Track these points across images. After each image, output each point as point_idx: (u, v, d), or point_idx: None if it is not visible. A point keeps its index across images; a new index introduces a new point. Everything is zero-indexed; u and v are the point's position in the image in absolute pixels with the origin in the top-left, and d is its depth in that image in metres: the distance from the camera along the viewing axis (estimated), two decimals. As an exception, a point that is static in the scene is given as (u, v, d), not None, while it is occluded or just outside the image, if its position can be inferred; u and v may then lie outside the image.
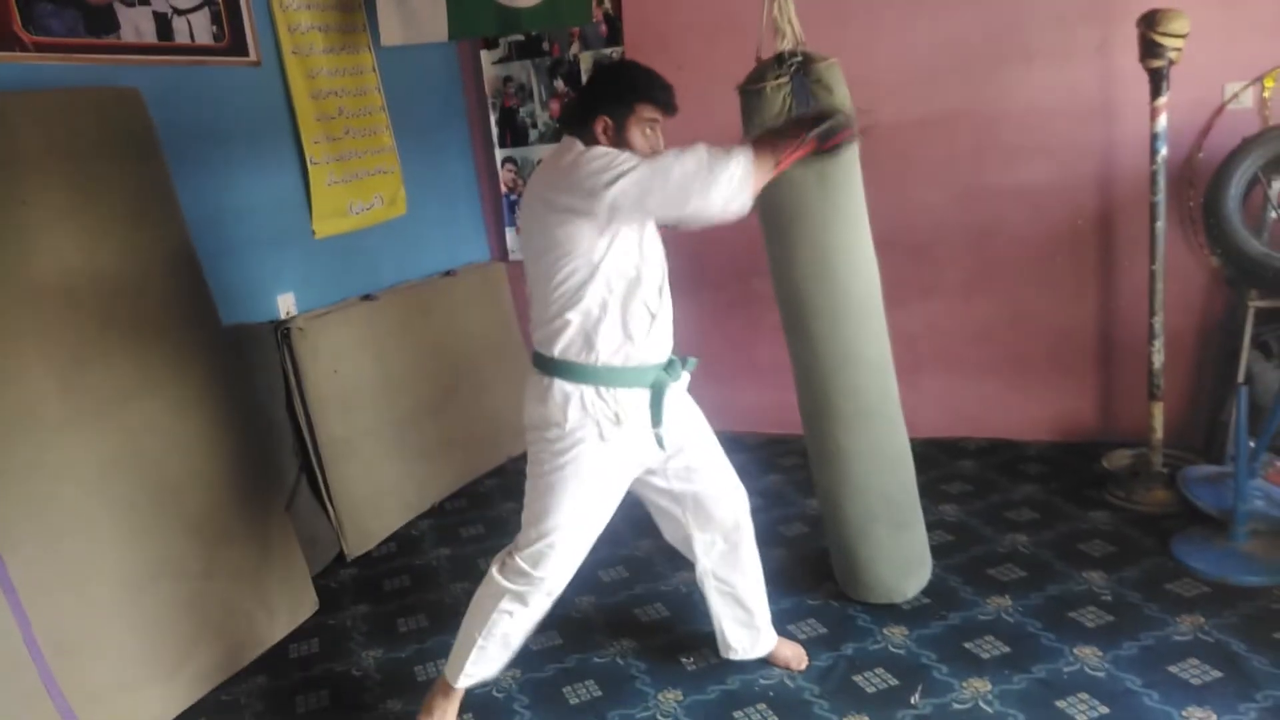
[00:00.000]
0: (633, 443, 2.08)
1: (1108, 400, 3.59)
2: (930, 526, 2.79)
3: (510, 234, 4.43)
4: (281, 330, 3.15)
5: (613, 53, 3.93)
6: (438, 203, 4.17)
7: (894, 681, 2.34)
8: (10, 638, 2.14)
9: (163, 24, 2.90)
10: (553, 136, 4.13)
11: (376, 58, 3.75)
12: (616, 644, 2.64)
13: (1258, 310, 3.07)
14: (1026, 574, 2.76)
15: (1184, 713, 2.11)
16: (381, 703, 2.48)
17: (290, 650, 2.78)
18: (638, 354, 2.04)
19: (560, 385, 2.03)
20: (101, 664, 2.33)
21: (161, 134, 2.67)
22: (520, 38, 4.09)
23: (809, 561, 2.96)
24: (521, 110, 4.22)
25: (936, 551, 2.82)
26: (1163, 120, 2.90)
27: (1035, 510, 3.15)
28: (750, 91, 2.33)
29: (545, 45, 4.09)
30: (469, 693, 2.29)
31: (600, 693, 2.43)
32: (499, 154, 4.33)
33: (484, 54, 4.21)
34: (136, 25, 2.81)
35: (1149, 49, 2.82)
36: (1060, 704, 2.18)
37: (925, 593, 2.69)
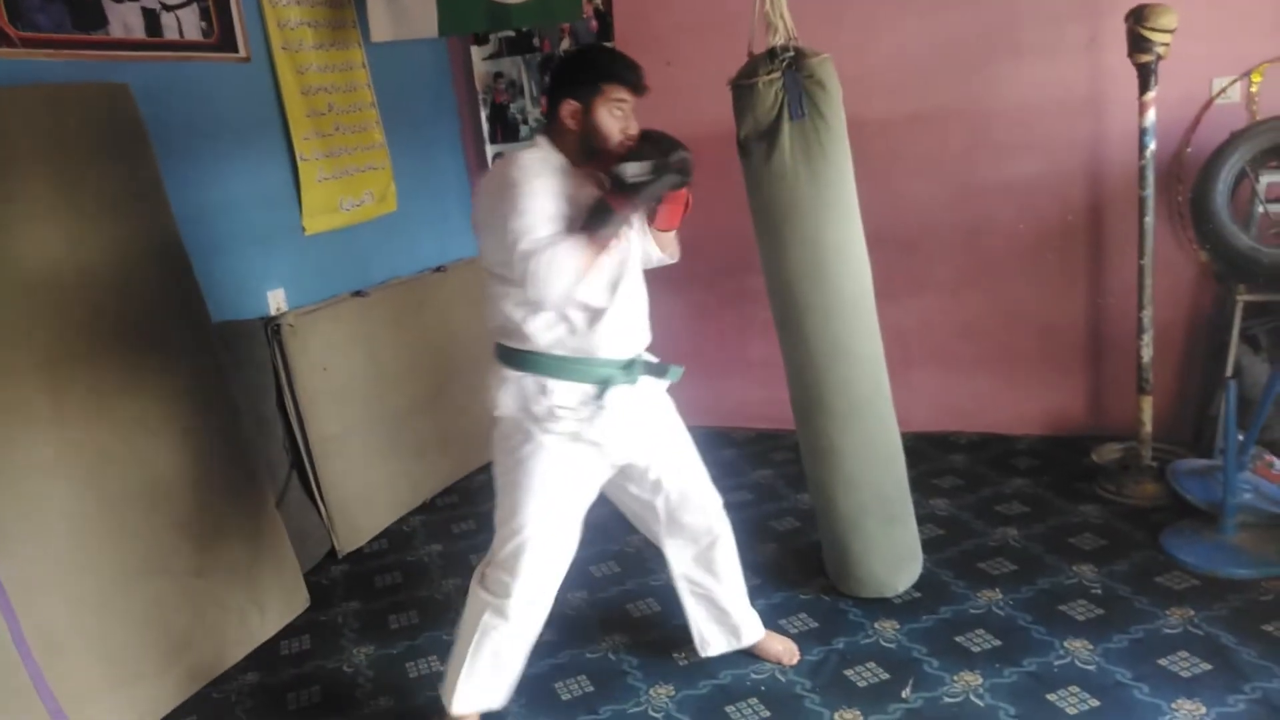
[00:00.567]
0: (592, 442, 1.99)
1: (1097, 394, 3.60)
2: (921, 521, 2.80)
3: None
4: (272, 326, 3.13)
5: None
6: (428, 199, 4.16)
7: (885, 675, 2.35)
8: (-1, 635, 2.13)
9: (151, 20, 2.88)
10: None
11: (366, 54, 3.74)
12: (608, 639, 2.64)
13: (1246, 304, 3.08)
14: (1017, 568, 2.77)
15: (1174, 705, 2.12)
16: (373, 699, 2.48)
17: (281, 647, 2.77)
18: (584, 346, 1.94)
19: (499, 370, 1.97)
20: (91, 661, 2.32)
21: (150, 130, 2.65)
22: (511, 33, 4.09)
23: (800, 556, 2.97)
24: (512, 106, 4.21)
25: (927, 545, 2.83)
26: (1151, 115, 2.91)
27: (1026, 504, 3.16)
28: (743, 87, 2.33)
29: (536, 41, 4.08)
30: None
31: (592, 688, 2.43)
32: (490, 150, 4.32)
33: (474, 50, 4.20)
34: (125, 21, 2.80)
35: (1137, 44, 2.83)
36: (1051, 697, 2.19)
37: (916, 587, 2.70)
